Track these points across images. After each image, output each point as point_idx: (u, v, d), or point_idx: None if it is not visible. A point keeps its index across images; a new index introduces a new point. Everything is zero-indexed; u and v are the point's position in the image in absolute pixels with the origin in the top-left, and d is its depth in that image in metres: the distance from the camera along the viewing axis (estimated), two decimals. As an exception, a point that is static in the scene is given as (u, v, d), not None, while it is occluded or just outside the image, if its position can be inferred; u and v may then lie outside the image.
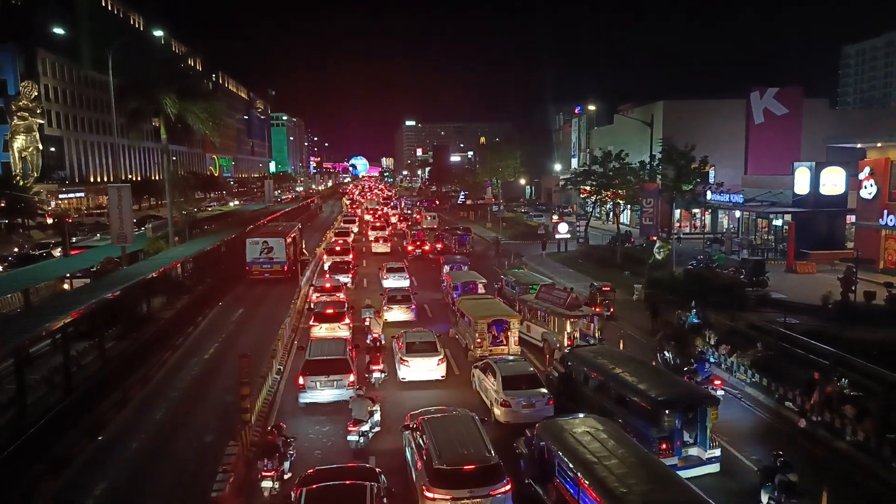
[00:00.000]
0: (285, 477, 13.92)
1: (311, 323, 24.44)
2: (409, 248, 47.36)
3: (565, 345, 21.05)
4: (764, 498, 12.82)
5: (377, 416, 16.16)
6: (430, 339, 20.98)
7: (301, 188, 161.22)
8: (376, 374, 19.97)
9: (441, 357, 20.29)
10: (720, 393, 17.92)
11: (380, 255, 47.06)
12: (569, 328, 21.68)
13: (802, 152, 49.27)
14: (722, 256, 38.48)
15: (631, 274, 34.80)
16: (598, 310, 23.64)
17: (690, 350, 20.28)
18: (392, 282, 33.84)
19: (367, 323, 24.17)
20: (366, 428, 15.55)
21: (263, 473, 13.43)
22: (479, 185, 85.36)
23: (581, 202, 64.08)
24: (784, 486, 12.43)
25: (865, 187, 36.63)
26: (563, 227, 46.17)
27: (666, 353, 20.38)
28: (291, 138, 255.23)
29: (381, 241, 49.90)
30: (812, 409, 16.65)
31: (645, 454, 12.18)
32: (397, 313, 27.22)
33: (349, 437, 15.55)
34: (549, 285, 25.48)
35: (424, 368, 20.05)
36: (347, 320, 24.51)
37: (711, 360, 20.06)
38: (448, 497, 12.20)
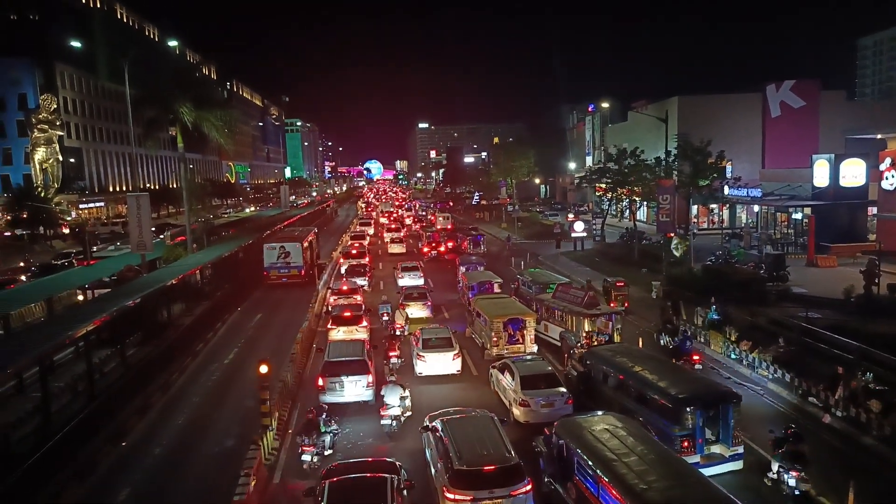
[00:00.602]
0: (326, 453, 15.06)
1: (329, 326, 24.63)
2: (425, 249, 47.64)
3: (583, 343, 21.01)
4: (774, 467, 13.57)
5: (408, 402, 17.11)
6: (445, 335, 21.71)
7: (316, 193, 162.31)
8: (393, 360, 21.69)
9: (456, 352, 20.92)
10: (697, 368, 19.75)
11: (395, 256, 47.46)
12: (587, 327, 21.60)
13: (820, 145, 48.65)
14: (741, 252, 38.10)
15: (648, 271, 34.57)
16: (612, 306, 23.55)
17: (671, 325, 22.66)
18: (407, 280, 34.79)
19: (385, 318, 26.43)
20: (397, 412, 16.50)
21: (304, 448, 14.77)
22: (494, 186, 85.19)
23: (597, 200, 63.74)
24: (791, 454, 13.20)
25: (887, 178, 36.05)
26: (578, 226, 46.01)
27: (664, 336, 21.74)
28: (306, 143, 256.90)
29: (396, 243, 51.20)
30: (836, 405, 16.42)
31: (665, 451, 12.09)
32: (414, 310, 27.98)
33: (382, 422, 16.66)
34: (566, 284, 25.41)
35: (440, 363, 20.77)
36: (365, 323, 24.65)
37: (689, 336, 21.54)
38: (469, 497, 12.22)
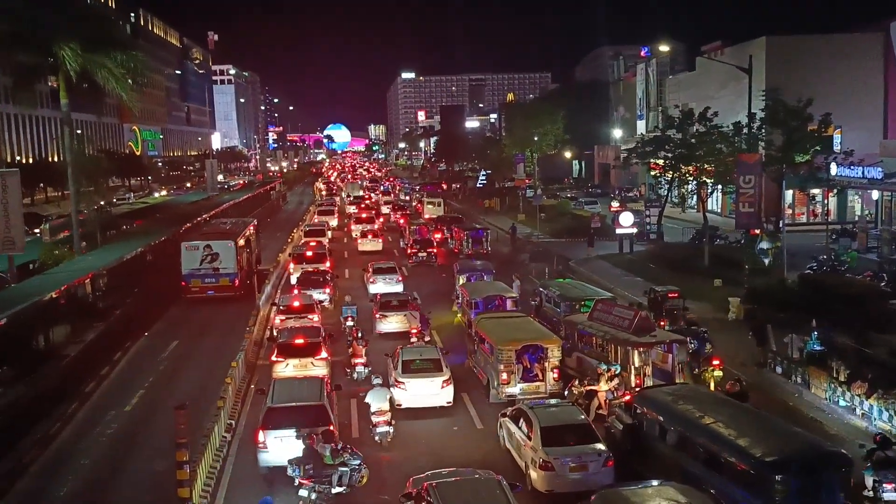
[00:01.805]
0: (334, 491, 16.11)
1: (274, 358, 24.70)
2: (410, 250, 47.92)
3: (633, 384, 21.11)
4: (868, 482, 15.70)
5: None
6: (432, 355, 23.12)
7: (257, 170, 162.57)
8: (359, 369, 24.19)
9: (446, 378, 22.17)
10: (717, 374, 22.21)
11: (369, 255, 47.97)
12: (637, 361, 21.68)
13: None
14: (854, 255, 38.28)
15: (724, 282, 34.72)
16: (662, 325, 23.72)
17: (683, 322, 25.10)
18: (382, 285, 36.39)
19: (349, 323, 28.83)
20: (388, 417, 19.59)
21: (300, 480, 16.00)
22: (507, 162, 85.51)
23: (651, 182, 63.77)
24: (881, 461, 15.64)
25: None
26: (626, 219, 46.13)
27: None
28: (242, 100, 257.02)
29: (369, 237, 52.43)
30: None
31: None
32: (394, 323, 29.91)
33: (378, 430, 19.69)
34: (607, 301, 25.53)
35: (426, 392, 21.97)
36: (324, 353, 24.74)
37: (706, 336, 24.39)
38: None
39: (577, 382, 21.98)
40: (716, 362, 22.56)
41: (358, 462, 16.63)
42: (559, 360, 22.53)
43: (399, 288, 36.09)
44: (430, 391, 22.01)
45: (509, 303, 29.45)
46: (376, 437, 19.74)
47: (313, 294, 33.50)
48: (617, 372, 21.43)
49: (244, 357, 25.71)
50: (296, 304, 30.66)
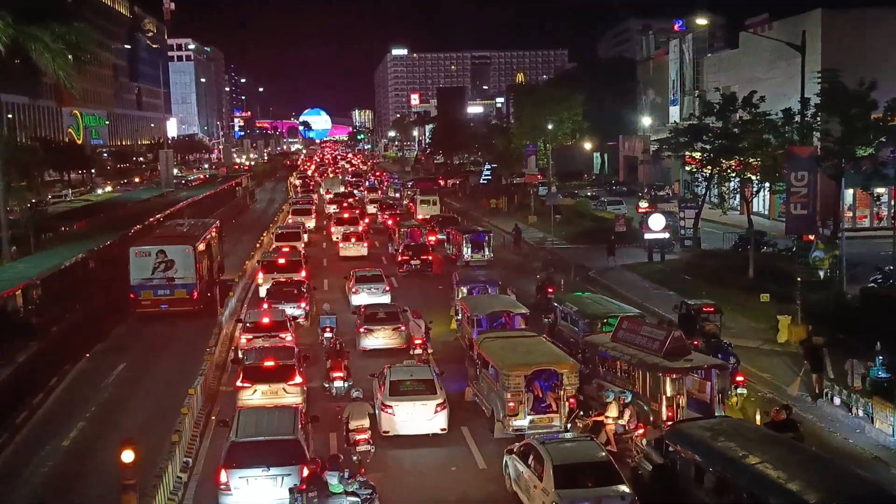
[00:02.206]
0: None
1: (238, 383, 24.72)
2: (401, 257, 48.18)
3: (665, 418, 21.11)
4: None
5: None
6: (425, 375, 23.85)
7: (220, 162, 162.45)
8: (338, 384, 25.61)
9: (440, 402, 22.83)
10: (741, 391, 23.12)
11: (352, 262, 48.23)
12: (669, 390, 21.65)
13: None
14: (925, 267, 38.20)
15: (773, 298, 34.71)
16: (695, 345, 23.79)
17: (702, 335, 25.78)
18: (366, 296, 37.26)
19: (327, 335, 30.17)
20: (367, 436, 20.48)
21: None
22: (516, 155, 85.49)
23: (686, 179, 63.73)
24: None
25: None
26: (656, 222, 46.23)
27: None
28: (203, 80, 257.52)
29: (352, 241, 53.09)
30: None
31: None
32: (380, 339, 30.87)
33: (359, 448, 20.39)
34: (634, 318, 25.56)
35: (417, 417, 22.60)
36: (298, 378, 24.79)
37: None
38: None
39: (581, 413, 22.00)
40: (739, 379, 22.97)
41: (370, 492, 17.26)
42: (576, 389, 22.51)
43: (386, 299, 36.66)
44: (422, 416, 22.45)
45: (518, 320, 29.47)
46: (354, 458, 20.16)
47: (286, 309, 33.49)
48: (628, 400, 21.46)
49: (203, 383, 25.66)
50: (265, 320, 30.65)
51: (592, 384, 24.24)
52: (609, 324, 26.08)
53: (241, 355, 27.46)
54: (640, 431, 20.13)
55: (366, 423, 20.85)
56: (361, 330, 31.20)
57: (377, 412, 22.79)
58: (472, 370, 25.99)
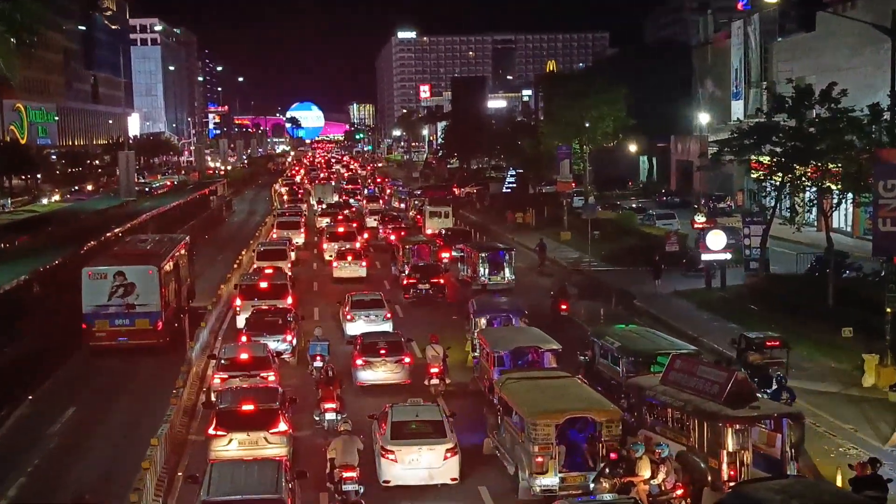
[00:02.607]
0: None
1: (212, 431, 24.69)
2: (407, 280, 48.36)
3: (726, 478, 20.90)
4: None
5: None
6: (433, 416, 24.51)
7: (192, 166, 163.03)
8: (329, 416, 26.81)
9: (451, 446, 23.39)
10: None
11: (348, 285, 48.56)
12: (731, 443, 21.44)
13: None
14: None
15: (857, 332, 34.39)
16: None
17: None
18: (363, 324, 38.29)
19: (317, 363, 31.21)
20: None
21: None
22: (547, 158, 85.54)
23: (752, 189, 63.41)
24: None
25: None
26: (715, 240, 46.03)
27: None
28: (172, 68, 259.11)
29: (348, 260, 53.80)
30: None
31: None
32: (381, 372, 31.70)
33: (345, 487, 21.33)
34: (688, 357, 25.45)
35: (423, 465, 23.23)
36: (283, 426, 24.72)
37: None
38: None
39: (607, 471, 21.70)
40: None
41: None
42: (618, 441, 22.32)
43: (387, 327, 37.55)
44: (429, 463, 22.95)
45: (548, 357, 29.36)
46: (338, 498, 21.48)
47: (268, 343, 33.48)
48: (664, 455, 21.23)
49: (169, 431, 25.50)
50: (243, 356, 30.58)
51: (638, 436, 24.04)
52: (658, 363, 25.92)
53: (214, 398, 27.45)
54: (679, 492, 19.88)
55: (354, 460, 21.83)
56: (359, 362, 31.60)
57: (377, 458, 23.51)
58: (491, 418, 25.92)
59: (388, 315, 39.18)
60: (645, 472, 20.96)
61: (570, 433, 22.77)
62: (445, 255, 54.21)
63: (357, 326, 37.59)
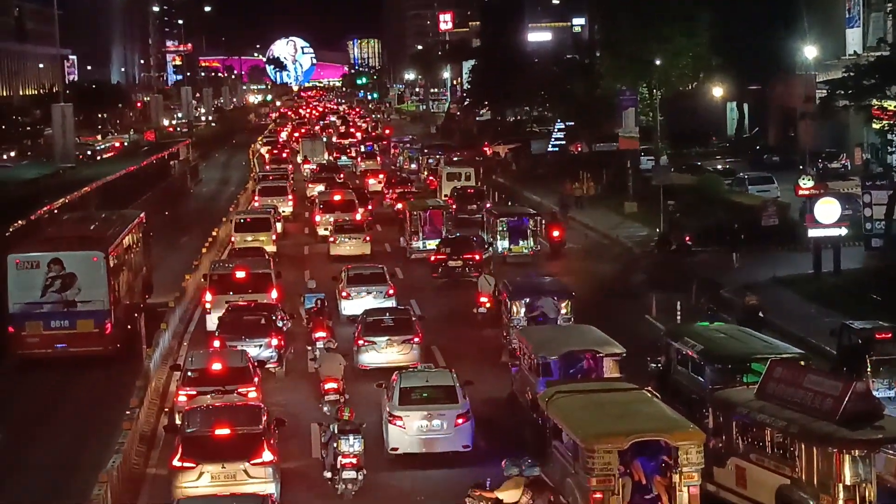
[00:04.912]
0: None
1: (177, 462, 24.75)
2: (436, 255, 49.83)
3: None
4: None
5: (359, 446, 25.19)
6: (444, 381, 28.58)
7: (147, 123, 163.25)
8: (320, 344, 33.28)
9: (463, 412, 27.23)
10: None
11: (346, 262, 50.01)
12: (848, 474, 21.47)
13: None
14: None
15: None
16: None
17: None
18: (362, 300, 41.64)
19: (311, 310, 37.83)
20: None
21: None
22: (603, 107, 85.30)
23: (875, 143, 63.24)
24: None
25: None
26: (827, 211, 45.81)
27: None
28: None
29: (349, 236, 56.18)
30: None
31: None
32: (386, 353, 35.11)
33: (328, 398, 29.26)
34: (793, 362, 25.51)
35: (433, 432, 26.84)
36: (268, 455, 24.77)
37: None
38: None
39: (478, 492, 21.94)
40: None
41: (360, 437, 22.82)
42: (699, 470, 22.29)
43: (390, 302, 40.48)
44: (439, 430, 26.72)
45: (608, 364, 29.44)
46: (326, 410, 29.01)
47: (248, 349, 33.62)
48: (533, 475, 21.32)
49: (122, 464, 25.53)
50: (216, 366, 30.67)
51: (727, 465, 24.08)
52: (753, 371, 25.93)
53: (179, 420, 27.53)
54: None
55: (338, 372, 29.91)
56: (360, 343, 34.27)
57: (384, 426, 27.50)
58: (535, 443, 25.91)
59: (392, 291, 41.71)
60: (504, 493, 21.14)
61: (639, 461, 22.69)
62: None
63: (356, 304, 40.53)
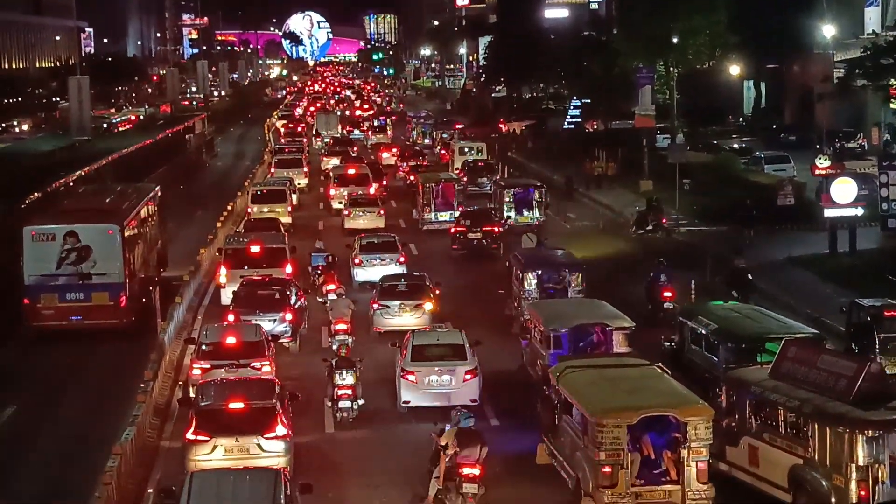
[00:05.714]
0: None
1: (190, 436, 24.78)
2: (456, 228, 50.95)
3: (855, 499, 20.95)
4: None
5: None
6: (454, 340, 30.79)
7: (163, 96, 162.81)
8: (332, 297, 36.94)
9: (471, 368, 29.50)
10: None
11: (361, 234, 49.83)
12: (861, 455, 21.40)
13: None
14: None
15: None
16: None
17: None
18: (375, 268, 43.89)
19: (318, 272, 42.62)
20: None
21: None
22: (619, 84, 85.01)
23: (892, 124, 63.02)
24: None
25: None
26: (843, 190, 45.67)
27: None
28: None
29: (363, 210, 57.48)
30: None
31: None
32: (401, 317, 37.32)
33: (338, 338, 32.76)
34: (807, 342, 25.45)
35: (443, 387, 29.32)
36: (281, 429, 24.83)
37: None
38: None
39: (435, 437, 23.05)
40: None
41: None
42: (708, 445, 22.28)
43: (400, 270, 42.34)
44: (448, 384, 29.16)
45: (618, 338, 29.54)
46: (334, 347, 31.38)
47: (262, 323, 33.65)
48: (466, 427, 22.47)
49: (136, 436, 25.68)
50: (230, 340, 30.73)
51: (739, 444, 24.04)
52: (768, 351, 25.88)
53: (193, 393, 27.49)
54: (470, 472, 21.30)
55: (347, 314, 34.38)
56: (376, 306, 36.21)
57: (397, 381, 29.67)
58: (546, 417, 25.89)
59: (403, 259, 43.61)
60: (444, 441, 22.30)
61: (649, 437, 22.54)
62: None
63: (368, 272, 42.79)
